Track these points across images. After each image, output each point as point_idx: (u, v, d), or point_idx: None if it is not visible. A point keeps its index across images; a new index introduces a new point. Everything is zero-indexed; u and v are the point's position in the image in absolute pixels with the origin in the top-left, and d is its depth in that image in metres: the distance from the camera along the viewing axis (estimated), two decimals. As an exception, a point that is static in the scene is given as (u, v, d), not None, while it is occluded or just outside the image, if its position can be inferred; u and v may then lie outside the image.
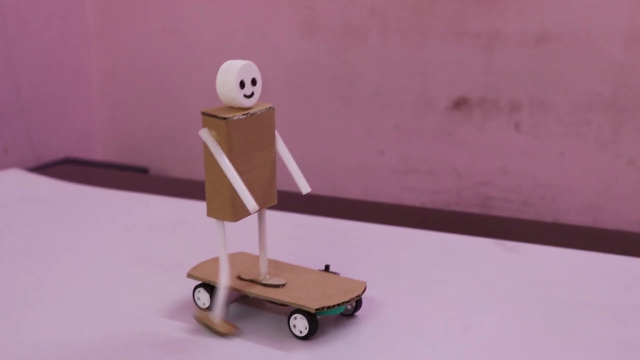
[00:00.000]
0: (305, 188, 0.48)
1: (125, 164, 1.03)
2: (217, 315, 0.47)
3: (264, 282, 0.48)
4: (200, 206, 0.71)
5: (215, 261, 0.52)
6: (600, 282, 0.54)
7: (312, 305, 0.45)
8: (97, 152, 1.07)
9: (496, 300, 0.51)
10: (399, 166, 0.88)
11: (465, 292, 0.52)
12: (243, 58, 0.47)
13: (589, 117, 0.78)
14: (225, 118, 0.44)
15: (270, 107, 0.47)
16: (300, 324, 0.46)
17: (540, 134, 0.81)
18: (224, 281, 0.46)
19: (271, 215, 0.55)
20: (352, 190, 0.91)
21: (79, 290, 0.53)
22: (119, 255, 0.60)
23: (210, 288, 0.50)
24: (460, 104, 0.84)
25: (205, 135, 0.45)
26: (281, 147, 0.48)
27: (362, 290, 0.48)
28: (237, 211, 0.45)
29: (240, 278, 0.49)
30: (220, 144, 0.44)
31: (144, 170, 1.01)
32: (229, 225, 0.47)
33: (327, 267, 0.51)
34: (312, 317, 0.46)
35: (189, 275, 0.50)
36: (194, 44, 0.97)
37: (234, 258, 0.52)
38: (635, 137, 0.76)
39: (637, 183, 0.77)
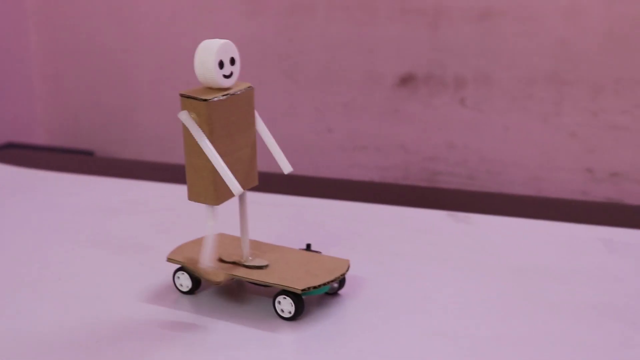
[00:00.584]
0: (287, 168, 0.48)
1: (70, 147, 1.02)
2: (207, 264, 0.45)
3: (247, 263, 0.47)
4: (155, 187, 0.71)
5: (194, 244, 0.50)
6: (547, 248, 0.56)
7: (298, 285, 0.45)
8: (40, 136, 1.05)
9: (453, 269, 0.52)
10: (347, 143, 0.89)
11: (424, 263, 0.53)
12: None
13: (531, 91, 0.80)
14: (205, 100, 0.43)
15: (249, 87, 0.46)
16: (286, 305, 0.45)
17: (485, 109, 0.82)
18: (211, 228, 0.45)
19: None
20: (302, 168, 0.91)
21: (36, 273, 0.53)
22: (75, 237, 0.59)
23: (190, 271, 0.48)
24: (406, 80, 0.85)
25: (185, 117, 0.43)
26: (261, 127, 0.47)
27: (346, 268, 0.47)
28: (220, 194, 0.44)
29: (222, 260, 0.48)
30: (200, 126, 0.43)
31: (89, 154, 1.00)
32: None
33: (308, 246, 0.51)
34: (298, 298, 0.45)
35: (169, 260, 0.49)
36: (138, 22, 0.96)
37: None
38: (575, 110, 0.79)
39: (578, 154, 0.80)
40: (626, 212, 0.65)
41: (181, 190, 0.68)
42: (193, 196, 0.45)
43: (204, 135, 0.43)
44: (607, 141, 0.78)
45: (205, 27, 0.92)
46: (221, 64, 0.44)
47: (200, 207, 0.46)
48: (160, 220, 0.62)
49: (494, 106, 0.82)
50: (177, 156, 0.95)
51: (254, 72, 0.90)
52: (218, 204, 0.45)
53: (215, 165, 0.43)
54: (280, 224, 0.61)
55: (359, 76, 0.87)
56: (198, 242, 0.51)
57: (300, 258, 0.49)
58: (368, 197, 0.68)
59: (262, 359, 0.42)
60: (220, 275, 0.46)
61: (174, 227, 0.60)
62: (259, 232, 0.55)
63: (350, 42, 0.86)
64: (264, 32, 0.90)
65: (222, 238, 0.52)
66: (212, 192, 0.44)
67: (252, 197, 0.67)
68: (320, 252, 0.50)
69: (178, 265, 0.49)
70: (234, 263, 0.48)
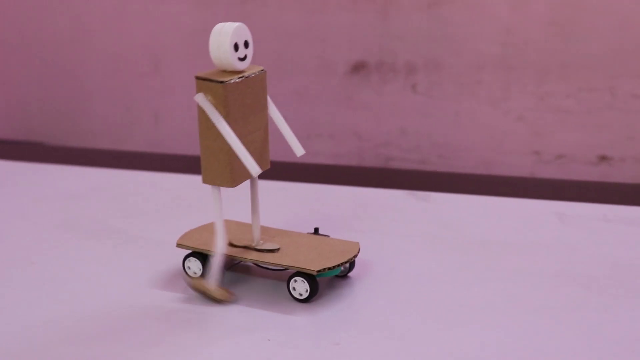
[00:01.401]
0: (299, 150, 0.48)
1: (19, 140, 1.00)
2: (213, 281, 0.46)
3: (259, 247, 0.47)
4: (115, 174, 0.71)
5: (202, 229, 0.50)
6: (505, 223, 0.58)
7: (313, 267, 0.45)
8: (-14, 130, 1.03)
9: (419, 244, 0.54)
10: (301, 131, 0.90)
11: (394, 240, 0.54)
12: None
13: (480, 76, 0.82)
14: (222, 82, 0.43)
15: (262, 70, 0.46)
16: (300, 287, 0.45)
17: (435, 95, 0.84)
18: (220, 247, 0.45)
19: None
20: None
21: (5, 258, 0.52)
22: (41, 223, 0.58)
23: (202, 256, 0.48)
24: (358, 68, 0.86)
25: (202, 100, 0.43)
26: (273, 110, 0.47)
27: (357, 250, 0.47)
28: (236, 176, 0.44)
29: (232, 245, 0.48)
30: (217, 108, 0.43)
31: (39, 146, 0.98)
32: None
33: (316, 230, 0.51)
34: (313, 280, 0.45)
35: (179, 245, 0.48)
36: (86, 13, 0.95)
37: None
38: (523, 95, 0.81)
39: (525, 137, 0.82)
40: (574, 187, 0.68)
41: (142, 176, 0.68)
42: (208, 179, 0.45)
43: (221, 117, 0.43)
44: (553, 124, 0.81)
45: (155, 17, 0.92)
46: (236, 47, 0.44)
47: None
48: (127, 205, 0.62)
49: (444, 92, 0.84)
50: (130, 144, 0.95)
51: (206, 62, 0.91)
52: (234, 186, 0.45)
53: (232, 147, 0.43)
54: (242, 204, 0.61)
55: (312, 65, 0.88)
56: (205, 228, 0.50)
57: (310, 241, 0.49)
58: (326, 179, 0.69)
59: (281, 341, 0.42)
60: (224, 293, 0.46)
61: (143, 211, 0.60)
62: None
63: (302, 31, 0.87)
64: (214, 22, 0.90)
65: (228, 224, 0.51)
66: (227, 175, 0.44)
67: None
68: (328, 236, 0.50)
69: (188, 251, 0.49)
70: (244, 247, 0.47)
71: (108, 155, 0.83)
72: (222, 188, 0.45)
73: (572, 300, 0.46)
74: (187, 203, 0.62)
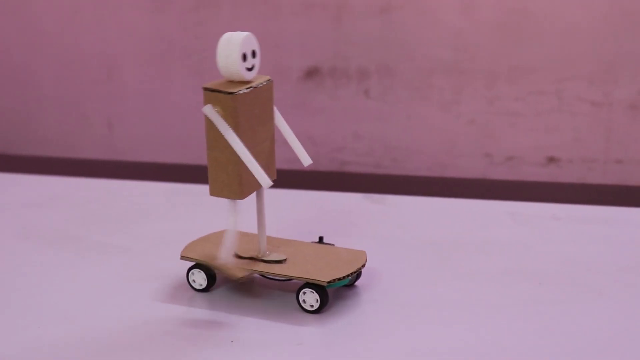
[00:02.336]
0: (306, 160, 0.48)
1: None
2: (228, 260, 0.45)
3: (266, 258, 0.47)
4: (71, 182, 0.71)
5: (204, 240, 0.49)
6: (459, 223, 0.59)
7: (324, 278, 0.44)
8: None
9: (376, 246, 0.55)
10: (256, 137, 0.91)
11: (352, 242, 0.55)
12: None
13: (432, 81, 0.84)
14: (231, 92, 0.42)
15: (269, 80, 0.46)
16: (310, 298, 0.45)
17: (388, 99, 0.86)
18: (233, 224, 0.44)
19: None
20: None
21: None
22: (6, 232, 0.58)
23: (206, 268, 0.47)
24: (312, 73, 0.87)
25: (210, 111, 0.42)
26: (279, 120, 0.47)
27: (365, 259, 0.47)
28: (245, 188, 0.44)
29: (238, 256, 0.47)
30: (225, 119, 0.42)
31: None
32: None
33: (321, 239, 0.51)
34: (323, 290, 0.45)
35: (183, 257, 0.47)
36: (39, 20, 0.94)
37: (217, 236, 0.50)
38: (473, 98, 0.83)
39: (477, 140, 0.84)
40: (525, 187, 0.70)
41: (98, 183, 0.68)
42: (215, 191, 0.44)
43: (229, 128, 0.42)
44: (503, 127, 0.83)
45: (108, 25, 0.91)
46: (244, 57, 0.44)
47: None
48: (86, 213, 0.62)
49: (397, 96, 0.85)
50: (85, 151, 0.94)
51: (161, 70, 0.91)
52: (243, 198, 0.44)
53: (242, 159, 0.42)
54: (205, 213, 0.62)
55: (266, 70, 0.88)
56: (208, 239, 0.50)
57: (316, 251, 0.48)
58: (281, 184, 0.69)
59: (296, 353, 0.41)
60: (240, 270, 0.45)
61: (103, 219, 0.60)
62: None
63: (257, 37, 0.87)
64: (169, 29, 0.90)
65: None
66: (236, 187, 0.43)
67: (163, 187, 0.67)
68: (333, 245, 0.50)
69: (191, 263, 0.48)
70: (251, 258, 0.47)
71: (63, 163, 0.82)
72: (237, 202, 0.44)
73: (527, 296, 0.47)
74: (146, 209, 0.62)
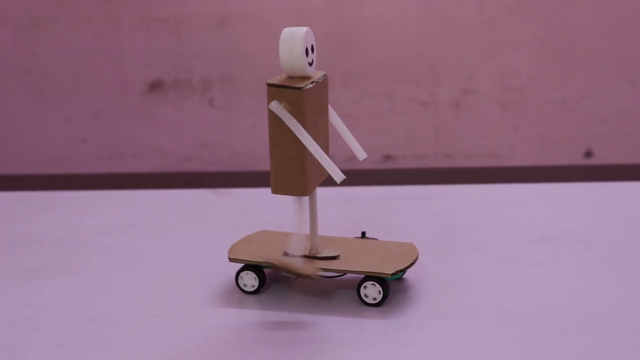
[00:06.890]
0: (361, 155, 0.46)
1: None
2: (296, 258, 0.44)
3: (319, 255, 0.45)
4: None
5: (246, 242, 0.48)
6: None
7: (387, 270, 0.43)
8: None
9: (222, 231, 0.57)
10: (102, 152, 0.91)
11: (205, 232, 0.57)
12: None
13: (272, 88, 0.88)
14: (299, 88, 0.41)
15: (325, 75, 0.45)
16: (372, 291, 0.44)
17: (232, 108, 0.89)
18: (299, 222, 0.43)
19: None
20: (56, 181, 0.91)
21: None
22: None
23: (256, 269, 0.46)
24: (155, 86, 0.89)
25: (277, 107, 0.41)
26: (333, 115, 0.46)
27: (417, 251, 0.46)
28: (310, 184, 0.42)
29: (289, 255, 0.46)
30: (293, 115, 0.41)
31: None
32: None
33: (363, 234, 0.50)
34: (385, 283, 0.44)
35: (232, 260, 0.46)
36: None
37: (257, 237, 0.49)
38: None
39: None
40: (361, 175, 0.75)
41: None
42: (278, 189, 0.43)
43: (298, 124, 0.41)
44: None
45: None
46: (306, 52, 0.43)
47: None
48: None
49: (241, 105, 0.88)
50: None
51: (-3, 87, 0.89)
52: (307, 194, 0.43)
53: (314, 153, 0.41)
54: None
55: (108, 85, 0.89)
56: (248, 240, 0.48)
57: (364, 245, 0.47)
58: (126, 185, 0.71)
59: (363, 345, 0.41)
60: (310, 269, 0.44)
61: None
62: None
63: (96, 52, 0.88)
64: (3, 47, 0.88)
65: (267, 234, 0.49)
66: (302, 183, 0.42)
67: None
68: (377, 239, 0.49)
69: (240, 265, 0.46)
70: (304, 257, 0.45)
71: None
72: (299, 198, 0.43)
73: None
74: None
